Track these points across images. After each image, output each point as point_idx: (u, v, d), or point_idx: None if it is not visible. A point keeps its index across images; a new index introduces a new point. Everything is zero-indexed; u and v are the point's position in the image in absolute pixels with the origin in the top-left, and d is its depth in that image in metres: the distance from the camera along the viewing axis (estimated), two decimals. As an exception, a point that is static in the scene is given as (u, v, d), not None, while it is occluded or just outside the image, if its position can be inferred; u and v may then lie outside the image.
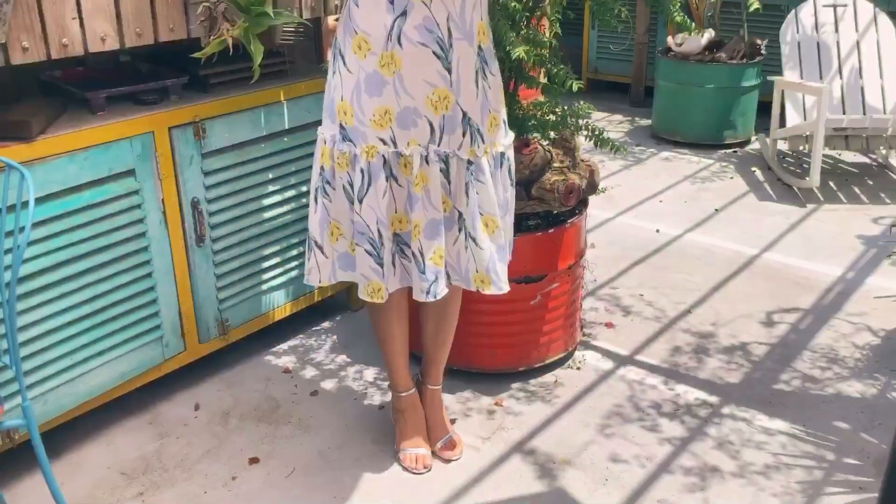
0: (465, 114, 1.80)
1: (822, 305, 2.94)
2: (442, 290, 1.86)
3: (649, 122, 5.18)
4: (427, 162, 1.80)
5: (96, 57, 2.10)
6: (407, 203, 1.83)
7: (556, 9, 2.50)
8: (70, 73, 2.35)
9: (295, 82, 2.48)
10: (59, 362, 2.07)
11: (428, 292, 1.84)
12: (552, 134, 2.57)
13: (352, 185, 1.83)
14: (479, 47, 1.79)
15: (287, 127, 2.47)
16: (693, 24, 2.32)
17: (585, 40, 5.94)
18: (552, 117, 2.60)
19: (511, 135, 1.95)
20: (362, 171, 1.80)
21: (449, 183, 1.84)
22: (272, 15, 1.82)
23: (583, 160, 2.31)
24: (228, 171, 2.35)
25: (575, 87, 2.23)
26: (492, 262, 1.86)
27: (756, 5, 2.15)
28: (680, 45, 4.77)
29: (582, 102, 2.65)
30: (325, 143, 1.86)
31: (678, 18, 2.20)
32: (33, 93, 2.26)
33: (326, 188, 1.89)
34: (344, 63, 1.77)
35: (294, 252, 2.61)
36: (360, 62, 1.74)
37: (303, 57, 2.82)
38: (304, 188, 2.56)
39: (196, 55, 1.89)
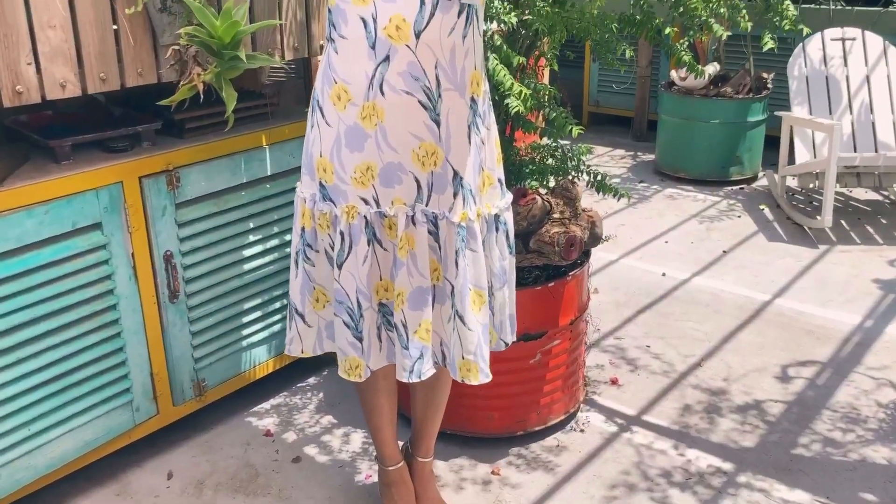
0: (455, 172, 1.61)
1: (840, 358, 2.77)
2: (427, 369, 1.67)
3: (652, 157, 5.04)
4: (413, 223, 1.62)
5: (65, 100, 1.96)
6: (392, 269, 1.67)
7: (555, 46, 2.36)
8: (37, 117, 2.20)
9: (278, 125, 2.33)
10: (15, 434, 1.89)
11: (411, 371, 1.65)
12: (551, 179, 2.42)
13: (332, 248, 1.67)
14: (473, 99, 1.61)
15: (269, 173, 2.32)
16: (699, 65, 2.17)
17: (586, 73, 5.82)
18: (551, 161, 2.46)
19: (509, 196, 1.77)
20: (342, 233, 1.63)
21: (439, 247, 1.66)
22: (245, 60, 1.67)
23: (584, 210, 2.15)
24: (205, 221, 2.20)
25: (575, 133, 2.08)
26: (479, 346, 1.68)
27: (770, 44, 2.00)
28: (684, 79, 4.64)
29: (581, 145, 2.51)
30: (304, 202, 1.69)
31: (686, 59, 2.06)
32: (-4, 140, 2.11)
33: (307, 251, 1.72)
34: (322, 115, 1.61)
35: (277, 304, 2.45)
36: (340, 114, 1.58)
37: (292, 96, 2.67)
38: (287, 237, 2.41)
39: (164, 102, 1.74)
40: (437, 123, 1.58)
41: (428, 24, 1.50)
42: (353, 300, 1.66)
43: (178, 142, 2.15)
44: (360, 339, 1.68)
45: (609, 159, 5.21)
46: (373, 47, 1.52)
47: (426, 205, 1.62)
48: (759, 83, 4.59)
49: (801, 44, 4.17)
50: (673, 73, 4.74)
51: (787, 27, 1.98)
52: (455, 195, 1.63)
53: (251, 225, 2.31)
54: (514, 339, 1.85)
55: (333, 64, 1.57)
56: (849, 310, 3.11)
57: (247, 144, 2.25)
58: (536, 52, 2.43)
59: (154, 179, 2.06)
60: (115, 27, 1.82)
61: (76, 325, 1.97)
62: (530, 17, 1.97)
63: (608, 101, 5.80)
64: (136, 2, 1.73)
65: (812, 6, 4.61)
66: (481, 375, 1.68)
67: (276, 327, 2.46)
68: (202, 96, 1.75)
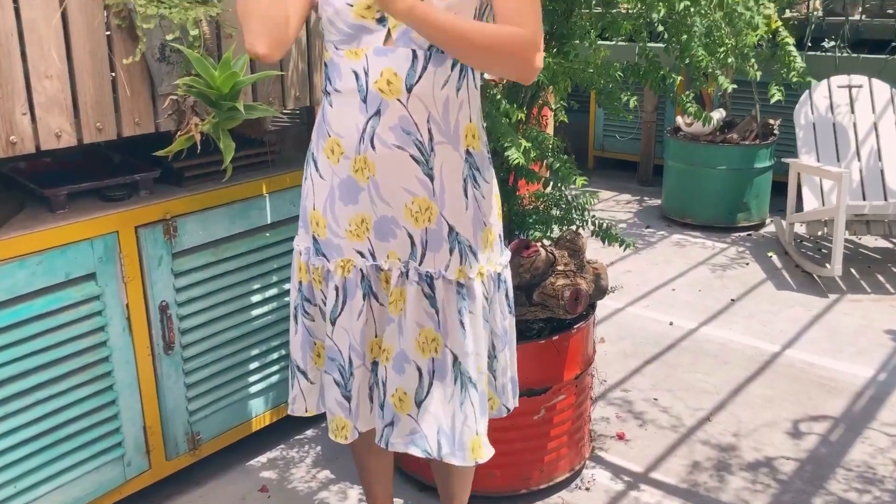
0: (451, 228, 1.55)
1: (853, 413, 2.69)
2: (396, 442, 1.59)
3: (659, 202, 5.00)
4: (407, 278, 1.57)
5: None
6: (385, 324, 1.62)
7: (561, 96, 2.34)
8: (35, 164, 2.18)
9: (279, 174, 2.30)
10: (1, 491, 1.83)
11: (381, 436, 1.60)
12: (556, 229, 2.38)
13: (325, 303, 1.62)
14: (468, 152, 1.55)
15: (269, 221, 2.28)
16: (705, 113, 2.14)
17: (592, 117, 5.82)
18: (556, 211, 2.42)
19: (507, 253, 1.71)
20: (337, 288, 1.59)
21: (437, 312, 1.57)
22: (243, 111, 1.64)
23: (589, 262, 2.10)
24: (202, 270, 2.15)
25: (579, 183, 2.04)
26: (482, 413, 1.62)
27: (778, 96, 1.97)
28: (690, 124, 4.62)
29: (586, 194, 2.47)
30: (300, 255, 1.66)
31: (691, 110, 2.02)
32: (-8, 188, 2.08)
33: (306, 306, 1.68)
34: (317, 168, 1.59)
35: (275, 355, 2.40)
36: (334, 167, 1.55)
37: (294, 143, 2.65)
38: (286, 286, 2.36)
39: (160, 153, 1.71)
40: (431, 178, 1.53)
41: (420, 77, 1.47)
42: (346, 357, 1.60)
43: (177, 190, 2.12)
44: (349, 399, 1.63)
45: (615, 204, 5.18)
46: (364, 101, 1.49)
47: (420, 263, 1.57)
48: (766, 129, 4.57)
49: (807, 91, 4.15)
50: (679, 119, 4.72)
51: (794, 79, 1.95)
52: (451, 251, 1.57)
53: (250, 274, 2.27)
54: (517, 405, 1.79)
55: (327, 117, 1.55)
56: (861, 362, 3.04)
57: (246, 193, 2.22)
58: (540, 101, 2.41)
59: (151, 229, 2.02)
60: (112, 75, 1.80)
61: (67, 377, 1.92)
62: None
63: (614, 146, 5.78)
64: (134, 52, 1.71)
65: (818, 53, 4.61)
66: (485, 452, 1.61)
67: (274, 378, 2.41)
68: (199, 147, 1.71)
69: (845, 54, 4.52)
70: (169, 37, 1.69)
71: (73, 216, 1.91)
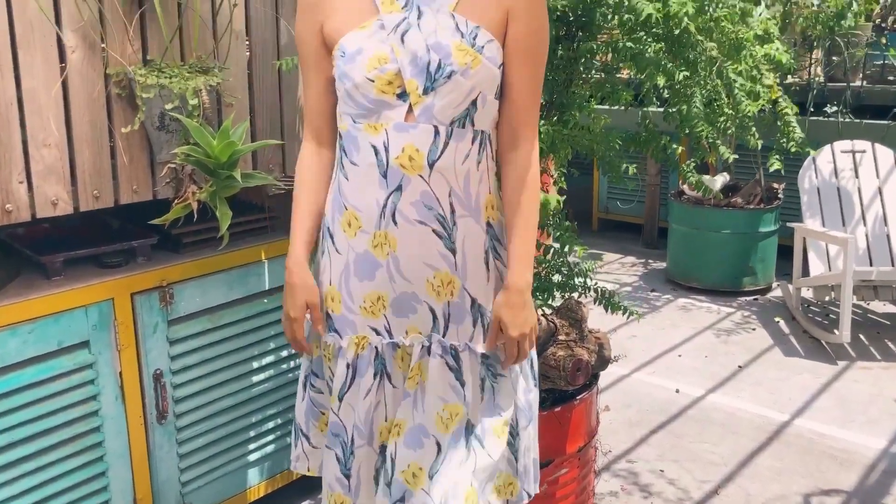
0: (474, 300, 1.52)
1: (866, 487, 2.61)
2: None
3: (664, 264, 4.97)
4: (429, 353, 1.52)
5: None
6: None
7: (561, 163, 2.33)
8: (33, 230, 2.17)
9: (278, 239, 2.28)
10: (-17, 568, 1.78)
11: None
12: (557, 294, 2.35)
13: (332, 381, 1.57)
14: (489, 224, 1.53)
15: (267, 287, 2.26)
16: (704, 185, 2.13)
17: (595, 179, 5.84)
18: (557, 277, 2.39)
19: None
20: (348, 365, 1.54)
21: (462, 385, 1.53)
22: (240, 179, 1.64)
23: (591, 331, 2.07)
24: (198, 338, 2.12)
25: (580, 253, 2.02)
26: (489, 478, 1.57)
27: (777, 165, 1.96)
28: (693, 188, 4.62)
29: (589, 261, 2.44)
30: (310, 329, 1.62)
31: (692, 179, 2.01)
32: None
33: (314, 379, 1.64)
34: (333, 242, 1.54)
35: (271, 424, 2.34)
36: (351, 241, 1.51)
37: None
38: (283, 353, 2.33)
39: (156, 221, 1.70)
40: (453, 252, 1.50)
41: (442, 153, 1.45)
42: (349, 435, 1.55)
43: (174, 256, 2.10)
44: (348, 477, 1.57)
45: (619, 266, 5.15)
46: (384, 176, 1.46)
47: (444, 335, 1.53)
48: (770, 193, 4.56)
49: (811, 155, 4.16)
50: (682, 183, 4.73)
51: (793, 149, 1.95)
52: (475, 324, 1.54)
53: (247, 341, 2.23)
54: (538, 490, 1.69)
55: (344, 191, 1.51)
56: (872, 432, 2.96)
57: (245, 259, 2.20)
58: (541, 168, 2.41)
59: (147, 296, 2.00)
60: (111, 143, 1.80)
61: (57, 448, 1.87)
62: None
63: (618, 208, 5.79)
64: (133, 121, 1.72)
65: (821, 118, 4.63)
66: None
67: (269, 448, 2.35)
68: (196, 215, 1.70)
69: (848, 120, 4.54)
70: (168, 106, 1.69)
71: (68, 283, 1.89)
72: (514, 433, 1.62)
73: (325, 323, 1.59)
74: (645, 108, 2.23)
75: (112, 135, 1.76)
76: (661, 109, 2.22)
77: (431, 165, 1.45)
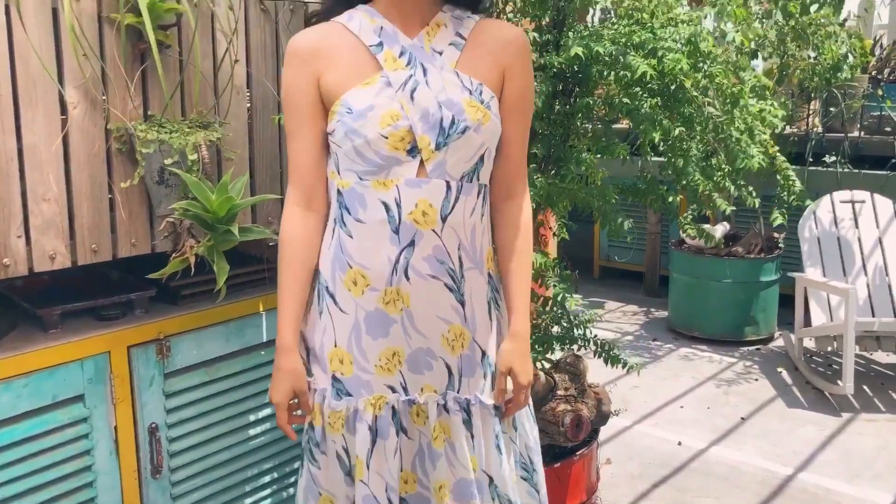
0: (483, 352, 1.54)
1: (873, 544, 2.56)
2: None
3: (665, 313, 4.96)
4: (447, 411, 1.52)
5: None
6: (418, 459, 1.54)
7: (561, 215, 2.34)
8: (31, 281, 2.16)
9: (276, 291, 2.27)
10: None
11: None
12: (557, 347, 2.34)
13: (347, 452, 1.54)
14: (490, 275, 1.56)
15: (265, 339, 2.25)
16: (706, 231, 2.13)
17: (597, 227, 5.85)
18: (556, 329, 2.38)
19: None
20: (370, 428, 1.51)
21: (472, 437, 1.54)
22: (237, 234, 1.64)
23: (591, 386, 2.05)
24: (195, 391, 2.10)
25: (571, 305, 2.01)
26: None
27: (780, 220, 1.97)
28: (694, 237, 4.62)
29: (590, 312, 2.44)
30: (314, 395, 1.57)
31: (690, 231, 2.02)
32: (-15, 306, 2.07)
33: (315, 452, 1.59)
34: (335, 302, 1.52)
35: (267, 478, 2.31)
36: (357, 300, 1.50)
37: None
38: (281, 406, 2.30)
39: (154, 276, 1.70)
40: (462, 304, 1.51)
41: (454, 207, 1.47)
42: (384, 501, 1.52)
43: (172, 308, 2.10)
44: None
45: (621, 315, 5.13)
46: (396, 232, 1.46)
47: (458, 391, 1.53)
48: (771, 243, 4.56)
49: (810, 205, 4.17)
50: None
51: (795, 202, 1.96)
52: (484, 375, 1.55)
53: (244, 394, 2.21)
54: None
55: (348, 249, 1.50)
56: (879, 487, 2.92)
57: (242, 311, 2.19)
58: (541, 218, 2.41)
59: (143, 349, 1.99)
60: (110, 196, 1.81)
61: (48, 504, 1.85)
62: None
63: (619, 256, 5.79)
64: (133, 176, 1.73)
65: (820, 168, 4.66)
66: None
67: (268, 502, 2.31)
68: (193, 269, 1.70)
69: (847, 170, 4.57)
70: (168, 161, 1.71)
71: (65, 336, 1.88)
72: (528, 469, 1.64)
73: (328, 393, 1.55)
74: (643, 158, 2.25)
75: (111, 189, 1.77)
76: (660, 158, 2.24)
77: (444, 220, 1.46)
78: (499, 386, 1.54)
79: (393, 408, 1.52)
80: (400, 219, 1.46)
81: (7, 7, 1.56)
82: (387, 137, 1.43)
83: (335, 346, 1.53)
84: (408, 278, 1.47)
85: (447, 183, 1.46)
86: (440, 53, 1.48)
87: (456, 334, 1.52)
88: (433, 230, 1.46)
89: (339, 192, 1.51)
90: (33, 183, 1.67)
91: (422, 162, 1.45)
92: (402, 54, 1.47)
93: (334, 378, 1.53)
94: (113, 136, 1.74)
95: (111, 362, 1.93)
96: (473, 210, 1.51)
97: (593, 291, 5.57)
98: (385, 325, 1.50)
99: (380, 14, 1.49)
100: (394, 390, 1.52)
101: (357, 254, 1.49)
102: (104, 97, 1.71)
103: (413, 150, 1.44)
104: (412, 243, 1.46)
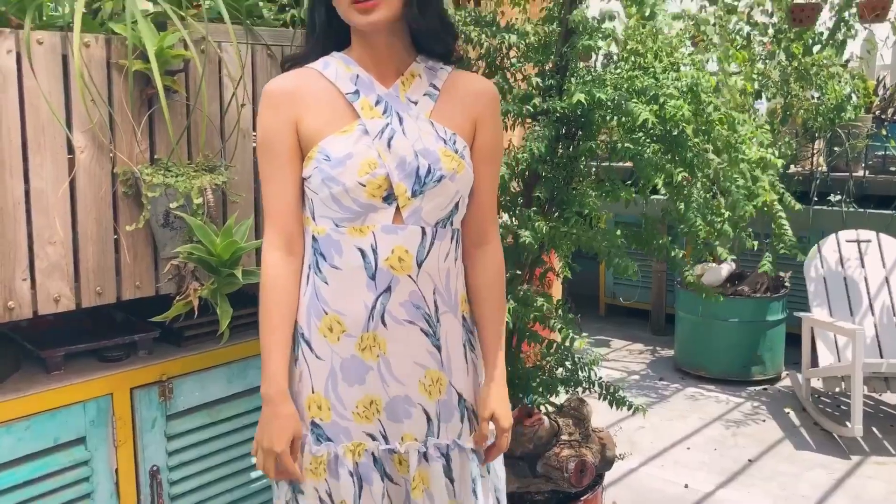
0: (460, 395, 1.54)
1: (883, 592, 2.51)
2: None
3: (672, 352, 4.93)
4: (427, 459, 1.52)
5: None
6: None
7: (565, 255, 2.34)
8: (35, 321, 2.17)
9: (280, 333, 2.28)
10: None
11: None
12: (561, 390, 2.33)
13: (331, 496, 1.52)
14: (464, 317, 1.57)
15: (268, 381, 2.24)
16: (710, 290, 2.14)
17: (603, 265, 5.85)
18: (561, 371, 2.37)
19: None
20: (351, 474, 1.51)
21: (452, 482, 1.54)
22: (241, 277, 1.65)
23: (595, 430, 2.04)
24: (196, 433, 2.10)
25: (581, 346, 2.01)
26: None
27: (766, 267, 1.98)
28: (699, 276, 4.61)
29: (595, 354, 2.43)
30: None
31: (690, 279, 2.02)
32: (-11, 346, 2.08)
33: (300, 498, 1.57)
34: (311, 349, 1.51)
35: (269, 522, 2.29)
36: (333, 346, 1.50)
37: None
38: (283, 449, 2.29)
39: (157, 319, 1.71)
40: (438, 348, 1.52)
41: (429, 253, 1.48)
42: None
43: (175, 350, 2.10)
44: None
45: (627, 354, 5.11)
46: (373, 278, 1.47)
47: (437, 437, 1.53)
48: (777, 282, 4.55)
49: (816, 245, 4.16)
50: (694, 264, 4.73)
51: (782, 251, 1.98)
52: (462, 419, 1.56)
53: (244, 436, 2.20)
54: None
55: (323, 295, 1.50)
56: (889, 533, 2.87)
57: (245, 352, 2.19)
58: (544, 258, 2.42)
59: (146, 391, 1.99)
60: (115, 237, 1.82)
61: (45, 550, 1.83)
62: (528, 237, 1.96)
63: (625, 294, 5.78)
64: (138, 219, 1.74)
65: (825, 208, 4.66)
66: None
67: (267, 546, 2.29)
68: (196, 312, 1.71)
69: (852, 209, 4.57)
70: (173, 205, 1.72)
71: (68, 377, 1.89)
72: None
73: (308, 439, 1.53)
74: (646, 201, 2.25)
75: (117, 231, 1.78)
76: (664, 196, 2.24)
77: (420, 265, 1.48)
78: (481, 431, 1.55)
79: (374, 455, 1.52)
80: (376, 265, 1.46)
81: (18, 55, 1.59)
82: (364, 185, 1.44)
83: (312, 392, 1.52)
84: (385, 324, 1.48)
85: (422, 229, 1.48)
86: (415, 103, 1.51)
87: (433, 379, 1.52)
88: (409, 276, 1.47)
89: (314, 238, 1.50)
90: (39, 226, 1.68)
91: (398, 209, 1.46)
92: (378, 103, 1.49)
93: (313, 423, 1.53)
94: (119, 180, 1.76)
95: (114, 404, 1.93)
96: (448, 254, 1.52)
97: (599, 329, 5.55)
98: (361, 371, 1.49)
99: (355, 62, 1.51)
100: (374, 438, 1.52)
101: (333, 300, 1.49)
102: (111, 142, 1.73)
103: (389, 198, 1.46)
104: (388, 289, 1.47)
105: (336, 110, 1.48)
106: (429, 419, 1.52)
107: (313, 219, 1.50)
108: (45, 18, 1.78)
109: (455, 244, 1.53)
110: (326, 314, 1.49)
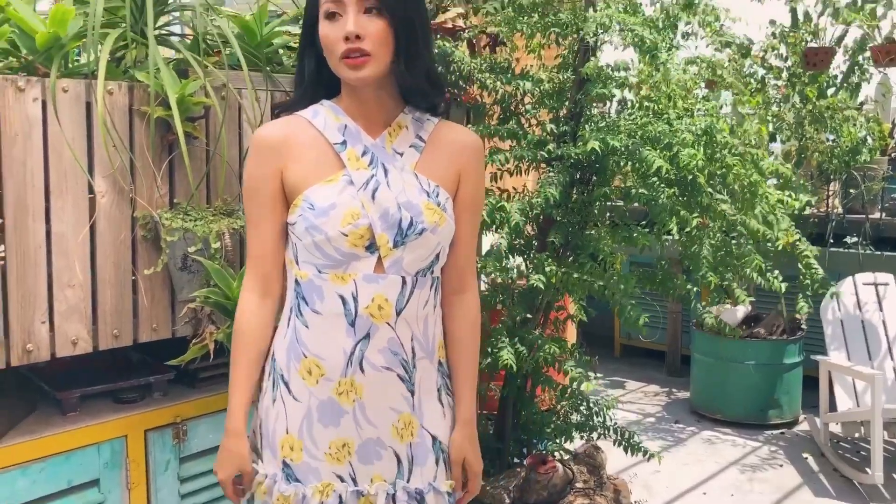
0: (434, 437, 1.55)
1: None
2: None
3: (688, 394, 4.88)
4: (394, 501, 1.52)
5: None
6: None
7: (580, 297, 2.34)
8: (53, 361, 2.19)
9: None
10: None
11: None
12: (576, 436, 2.31)
13: None
14: (440, 362, 1.59)
15: (281, 423, 2.24)
16: (728, 325, 2.12)
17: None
18: (575, 416, 2.36)
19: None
20: None
21: None
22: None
23: (610, 478, 2.02)
24: (209, 476, 2.09)
25: (588, 389, 2.00)
26: None
27: (806, 308, 1.97)
28: (716, 317, 4.58)
29: (610, 398, 2.41)
30: (264, 478, 1.56)
31: (709, 320, 2.01)
32: (7, 387, 2.09)
33: None
34: (289, 391, 1.53)
35: (280, 566, 2.27)
36: (311, 388, 1.51)
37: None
38: (296, 492, 2.28)
39: (173, 362, 1.72)
40: (412, 393, 1.54)
41: (408, 301, 1.50)
42: None
43: (189, 392, 2.11)
44: None
45: (643, 395, 5.06)
46: (352, 325, 1.49)
47: (408, 481, 1.53)
48: (793, 324, 4.51)
49: (832, 288, 4.13)
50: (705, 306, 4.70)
51: (818, 290, 1.96)
52: (437, 462, 1.56)
53: (258, 479, 2.20)
54: None
55: (303, 339, 1.52)
56: (912, 585, 2.81)
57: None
58: (559, 304, 2.41)
59: (160, 433, 1.99)
60: (133, 277, 1.84)
61: (58, 593, 1.82)
62: (538, 281, 1.96)
63: (640, 333, 5.74)
64: (156, 262, 1.76)
65: (841, 250, 4.63)
66: None
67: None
68: (212, 355, 1.72)
69: (868, 251, 4.54)
70: (191, 249, 1.74)
71: (83, 419, 1.90)
72: None
73: (279, 477, 1.54)
74: (660, 245, 2.25)
75: (135, 274, 1.80)
76: (679, 237, 2.23)
77: (399, 313, 1.50)
78: (455, 475, 1.58)
79: (340, 497, 1.52)
80: (356, 312, 1.49)
81: (44, 103, 1.63)
82: (347, 235, 1.47)
83: (287, 432, 1.54)
84: (362, 370, 1.50)
85: (403, 278, 1.50)
86: (401, 154, 1.54)
87: (405, 423, 1.53)
88: (388, 323, 1.49)
89: (297, 282, 1.53)
90: (59, 269, 1.70)
91: (380, 258, 1.49)
92: (364, 153, 1.51)
93: (284, 463, 1.54)
94: (139, 224, 1.79)
95: (128, 446, 1.94)
96: (427, 302, 1.55)
97: (615, 370, 5.51)
98: (337, 414, 1.51)
99: (343, 112, 1.54)
100: (342, 479, 1.53)
101: (312, 344, 1.51)
102: (132, 186, 1.76)
103: (371, 247, 1.49)
104: (367, 336, 1.49)
105: (323, 160, 1.51)
106: (399, 461, 1.53)
107: (297, 263, 1.52)
108: (70, 66, 1.82)
109: (434, 292, 1.56)
110: (306, 357, 1.51)
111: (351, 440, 1.51)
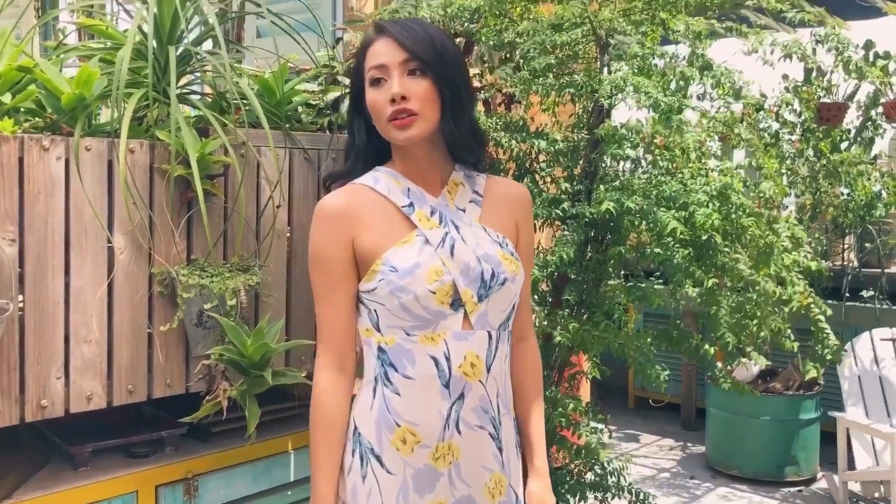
0: (517, 496, 1.57)
1: None
2: None
3: (703, 448, 4.81)
4: None
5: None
6: None
7: (594, 355, 2.33)
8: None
9: (305, 429, 2.25)
10: None
11: None
12: (590, 496, 2.28)
13: None
14: (514, 418, 1.62)
15: (292, 479, 2.22)
16: (744, 385, 2.11)
17: (631, 357, 5.78)
18: (590, 476, 2.33)
19: None
20: None
21: None
22: (269, 379, 1.66)
23: (624, 541, 1.98)
24: (219, 532, 2.07)
25: (602, 457, 1.98)
26: None
27: (813, 373, 1.95)
28: (731, 372, 4.54)
29: (623, 460, 2.38)
30: None
31: (725, 385, 1.99)
32: (19, 440, 2.09)
33: None
34: (381, 465, 1.49)
35: None
36: (406, 458, 1.49)
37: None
38: (306, 549, 2.25)
39: (186, 420, 1.72)
40: (500, 450, 1.55)
41: (495, 357, 1.52)
42: None
43: (201, 446, 2.10)
44: None
45: (657, 450, 4.99)
46: (446, 386, 1.48)
47: None
48: (810, 379, 4.46)
49: (849, 342, 4.10)
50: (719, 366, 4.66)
51: (829, 356, 1.94)
52: None
53: (267, 537, 2.17)
54: None
55: (394, 407, 1.49)
56: None
57: (271, 450, 2.18)
58: (574, 360, 2.40)
59: (171, 488, 1.98)
60: (149, 330, 1.84)
61: None
62: (563, 337, 1.96)
63: (655, 387, 5.67)
64: (172, 319, 1.77)
65: (857, 304, 4.60)
66: None
67: None
68: (225, 413, 1.72)
69: (885, 306, 4.50)
70: (207, 305, 1.75)
71: (95, 474, 1.89)
72: None
73: None
74: (675, 304, 2.24)
75: (150, 329, 1.81)
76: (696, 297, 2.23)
77: (489, 369, 1.51)
78: None
79: None
80: (450, 372, 1.48)
81: (67, 161, 1.66)
82: (435, 293, 1.46)
83: None
84: (459, 431, 1.49)
85: (489, 333, 1.51)
86: (463, 210, 1.56)
87: (496, 482, 1.54)
88: (480, 381, 1.50)
89: (380, 349, 1.51)
90: (76, 325, 1.71)
91: (465, 314, 1.49)
92: (433, 213, 1.53)
93: None
94: (156, 280, 1.80)
95: (139, 502, 1.92)
96: (506, 357, 1.57)
97: (628, 423, 5.45)
98: (432, 480, 1.50)
99: (402, 175, 1.55)
100: None
101: (406, 411, 1.49)
102: (150, 243, 1.78)
103: (455, 304, 1.49)
104: (462, 396, 1.49)
105: (392, 223, 1.51)
106: None
107: (378, 330, 1.50)
108: (93, 124, 1.86)
109: (509, 345, 1.58)
110: (399, 426, 1.49)
111: (445, 501, 1.51)
